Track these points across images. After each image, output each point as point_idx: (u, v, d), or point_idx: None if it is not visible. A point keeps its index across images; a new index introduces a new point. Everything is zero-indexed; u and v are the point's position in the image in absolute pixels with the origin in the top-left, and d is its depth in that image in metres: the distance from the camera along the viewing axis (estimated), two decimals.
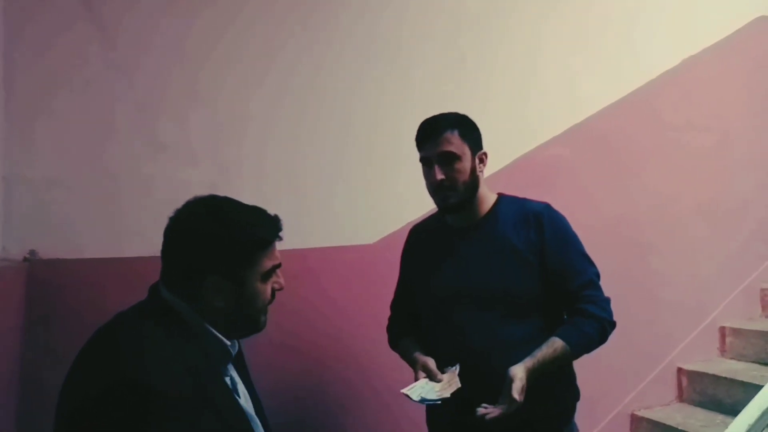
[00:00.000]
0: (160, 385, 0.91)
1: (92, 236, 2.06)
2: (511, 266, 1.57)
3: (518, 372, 1.42)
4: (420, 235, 1.80)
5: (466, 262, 1.62)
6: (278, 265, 1.15)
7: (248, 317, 1.12)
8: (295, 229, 2.38)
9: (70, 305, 1.99)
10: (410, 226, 1.87)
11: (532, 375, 1.44)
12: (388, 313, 1.87)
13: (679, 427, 2.68)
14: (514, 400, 1.38)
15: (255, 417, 1.12)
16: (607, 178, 2.98)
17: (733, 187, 3.32)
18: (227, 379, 1.10)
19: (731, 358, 3.10)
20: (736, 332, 3.12)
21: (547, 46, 2.91)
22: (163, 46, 2.22)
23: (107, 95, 2.13)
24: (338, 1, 2.53)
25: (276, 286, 1.16)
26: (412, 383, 1.50)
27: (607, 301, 1.61)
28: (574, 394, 1.66)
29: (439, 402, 1.45)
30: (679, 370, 3.03)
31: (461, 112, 1.67)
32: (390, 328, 1.84)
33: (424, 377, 1.52)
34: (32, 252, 1.98)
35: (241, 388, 1.16)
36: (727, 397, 2.77)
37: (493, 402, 1.41)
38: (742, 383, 2.70)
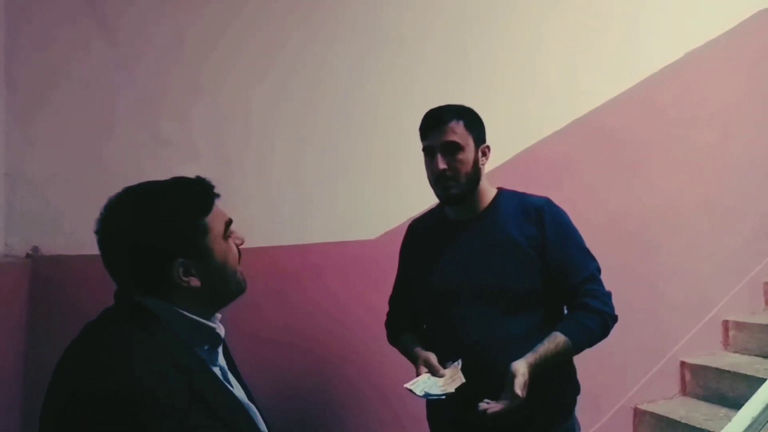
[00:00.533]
0: (149, 386, 0.87)
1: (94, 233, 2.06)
2: (512, 260, 1.57)
3: (520, 367, 1.42)
4: (419, 230, 1.79)
5: (465, 256, 1.62)
6: (230, 221, 1.09)
7: (228, 282, 1.07)
8: (298, 224, 2.41)
9: (73, 301, 1.99)
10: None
11: (534, 370, 1.43)
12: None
13: (683, 421, 2.68)
14: (516, 395, 1.37)
15: (250, 404, 1.09)
16: (609, 172, 2.98)
17: (736, 181, 3.31)
18: (217, 370, 1.06)
19: (734, 352, 3.10)
20: (740, 326, 3.11)
21: (549, 40, 2.90)
22: (165, 42, 2.22)
23: (109, 91, 2.13)
24: None
25: (237, 242, 1.10)
26: (414, 378, 1.50)
27: (609, 295, 1.60)
28: (574, 389, 1.66)
29: (443, 397, 1.45)
30: (683, 363, 3.03)
31: None
32: (389, 324, 1.83)
33: (426, 372, 1.52)
34: (35, 248, 1.99)
35: (231, 377, 1.12)
36: (731, 391, 2.77)
37: (494, 397, 1.41)
38: (746, 377, 2.70)
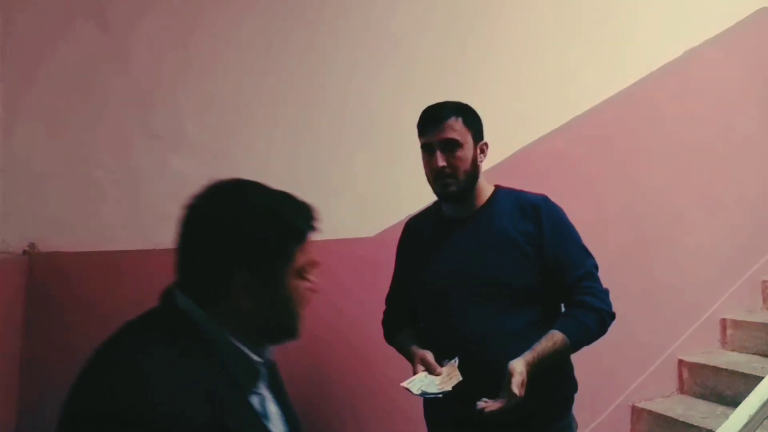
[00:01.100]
0: (165, 413, 0.76)
1: (91, 229, 2.05)
2: (509, 257, 1.57)
3: (518, 366, 1.41)
4: (416, 227, 1.78)
5: (462, 253, 1.61)
6: (314, 264, 0.99)
7: (282, 321, 0.95)
8: None
9: (70, 298, 1.99)
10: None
11: (532, 369, 1.43)
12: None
13: (680, 419, 2.69)
14: (514, 394, 1.37)
15: None
16: (607, 170, 2.97)
17: (734, 179, 3.31)
18: (255, 399, 0.95)
19: (732, 350, 3.10)
20: (737, 324, 3.12)
21: (547, 38, 2.90)
22: (158, 35, 2.20)
23: (105, 87, 2.12)
24: None
25: (311, 287, 0.98)
26: (411, 377, 1.50)
27: (606, 292, 1.60)
28: (571, 386, 1.66)
29: (440, 395, 1.45)
30: (680, 362, 3.04)
31: None
32: (385, 322, 1.82)
33: (423, 370, 1.51)
34: (32, 245, 1.98)
35: (272, 406, 1.00)
36: (728, 389, 2.77)
37: (492, 394, 1.40)
38: (743, 375, 2.71)
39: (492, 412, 1.37)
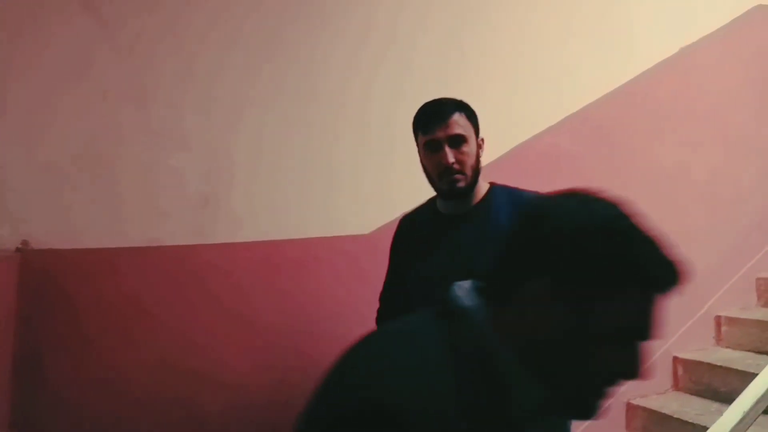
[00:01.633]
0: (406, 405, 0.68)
1: (85, 225, 2.04)
2: None
3: None
4: (411, 224, 1.77)
5: (459, 250, 1.60)
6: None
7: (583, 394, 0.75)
8: (289, 219, 2.39)
9: (62, 295, 1.98)
10: None
11: None
12: None
13: (675, 416, 2.69)
14: None
15: None
16: (602, 167, 2.97)
17: (730, 176, 3.31)
18: None
19: (727, 347, 3.10)
20: (732, 321, 3.12)
21: (543, 34, 2.89)
22: (157, 31, 2.19)
23: (101, 82, 2.11)
24: None
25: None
26: None
27: None
28: None
29: None
30: (675, 359, 3.04)
31: None
32: (379, 320, 1.81)
33: None
34: (25, 242, 1.97)
35: None
36: (723, 386, 2.78)
37: None
38: (738, 372, 2.71)
39: None
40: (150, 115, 2.16)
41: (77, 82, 2.07)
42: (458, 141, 1.55)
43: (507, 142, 2.72)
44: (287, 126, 2.38)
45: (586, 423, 2.75)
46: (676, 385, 3.04)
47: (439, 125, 1.56)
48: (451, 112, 1.56)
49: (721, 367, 2.82)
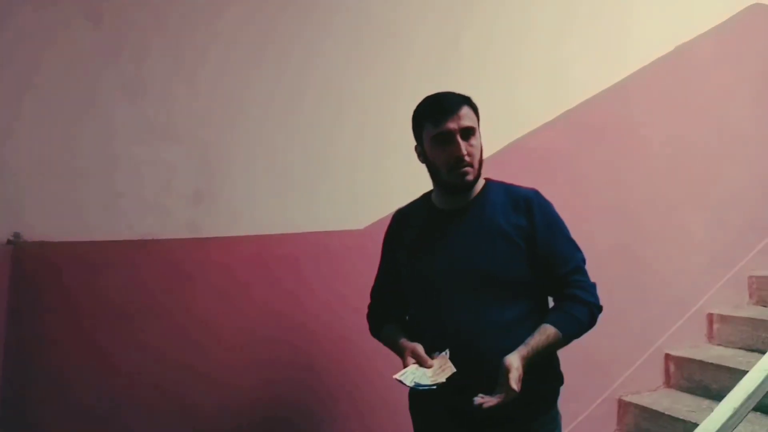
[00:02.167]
0: None
1: (77, 218, 2.03)
2: (500, 249, 1.56)
3: (514, 361, 1.41)
4: (405, 219, 1.76)
5: (454, 244, 1.61)
6: None
7: None
8: (283, 213, 2.39)
9: (55, 288, 1.97)
10: None
11: (527, 363, 1.44)
12: None
13: (667, 412, 2.70)
14: (511, 389, 1.37)
15: None
16: (596, 165, 2.98)
17: (724, 175, 3.32)
18: None
19: (718, 345, 3.12)
20: (724, 319, 3.14)
21: (539, 31, 2.89)
22: (149, 27, 2.18)
23: (91, 76, 2.09)
24: None
25: None
26: (402, 369, 1.50)
27: (594, 286, 1.61)
28: (556, 379, 1.66)
29: (434, 387, 1.44)
30: (667, 356, 3.06)
31: None
32: (371, 316, 1.81)
33: (414, 363, 1.51)
34: (17, 234, 1.96)
35: None
36: (714, 383, 2.80)
37: (483, 385, 1.40)
38: (729, 369, 2.73)
39: (491, 408, 1.37)
40: (141, 110, 2.15)
41: (67, 78, 2.05)
42: (469, 133, 1.55)
43: (502, 139, 2.71)
44: (282, 121, 2.37)
45: (578, 419, 2.77)
46: (668, 382, 3.05)
47: (450, 117, 1.54)
48: (461, 105, 1.56)
49: (712, 364, 2.84)
